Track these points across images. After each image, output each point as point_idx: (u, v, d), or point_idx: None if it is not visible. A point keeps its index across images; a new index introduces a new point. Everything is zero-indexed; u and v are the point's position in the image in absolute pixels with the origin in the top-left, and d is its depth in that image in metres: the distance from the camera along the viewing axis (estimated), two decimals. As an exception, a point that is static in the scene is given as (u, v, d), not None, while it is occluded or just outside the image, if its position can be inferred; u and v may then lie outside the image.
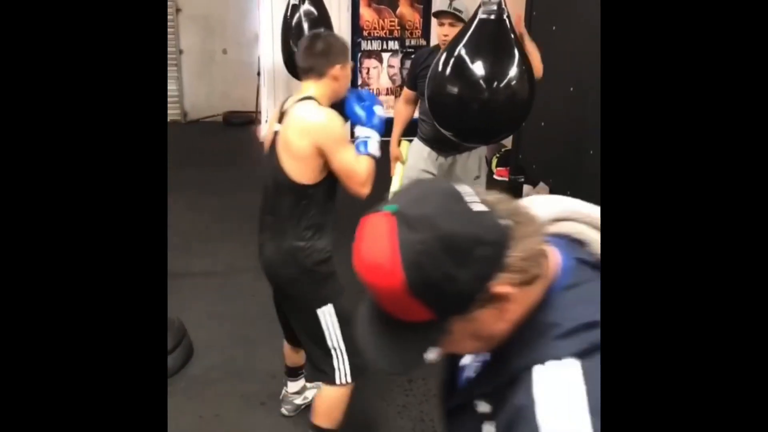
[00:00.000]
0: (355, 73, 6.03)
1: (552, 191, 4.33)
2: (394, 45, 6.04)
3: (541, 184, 4.47)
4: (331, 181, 1.80)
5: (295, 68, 4.29)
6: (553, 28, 3.33)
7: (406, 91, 3.08)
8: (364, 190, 1.79)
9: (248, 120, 6.77)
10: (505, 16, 2.21)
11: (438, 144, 2.91)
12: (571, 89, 3.44)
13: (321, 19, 4.00)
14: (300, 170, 1.75)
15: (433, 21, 5.83)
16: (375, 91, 6.11)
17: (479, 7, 2.22)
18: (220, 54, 6.74)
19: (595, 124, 3.30)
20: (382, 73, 6.09)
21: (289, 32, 4.06)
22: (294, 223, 1.78)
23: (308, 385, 2.35)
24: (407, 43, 6.06)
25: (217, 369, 2.53)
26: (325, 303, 1.82)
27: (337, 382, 1.86)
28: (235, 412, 2.31)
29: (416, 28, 6.03)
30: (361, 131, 1.84)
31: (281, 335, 2.79)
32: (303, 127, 1.72)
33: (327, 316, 1.83)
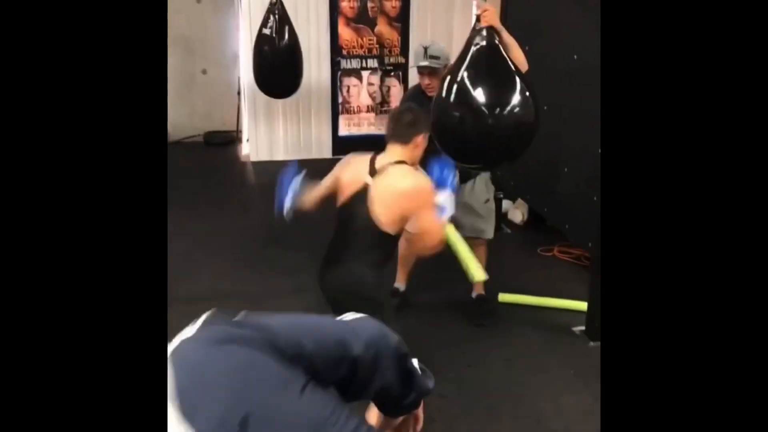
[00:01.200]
0: (335, 91, 6.06)
1: (530, 207, 4.38)
2: (373, 63, 6.09)
3: (519, 200, 4.53)
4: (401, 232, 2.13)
5: (266, 87, 4.35)
6: (527, 48, 3.38)
7: None
8: (433, 249, 2.16)
9: (229, 140, 6.77)
10: (496, 41, 2.24)
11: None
12: (545, 108, 3.49)
13: (291, 44, 4.07)
14: (391, 222, 2.07)
15: (413, 43, 5.90)
16: (356, 109, 6.15)
17: (473, 34, 2.25)
18: (199, 74, 6.75)
19: (569, 141, 3.36)
20: (362, 91, 6.13)
21: (260, 55, 4.12)
22: (361, 261, 2.10)
23: None
24: (386, 61, 6.11)
25: (199, 398, 2.52)
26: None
27: None
28: (218, 441, 2.29)
29: (395, 46, 6.08)
30: (443, 197, 2.17)
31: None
32: (406, 190, 2.06)
33: None
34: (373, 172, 2.11)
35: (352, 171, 2.19)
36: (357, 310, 2.10)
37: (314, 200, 2.34)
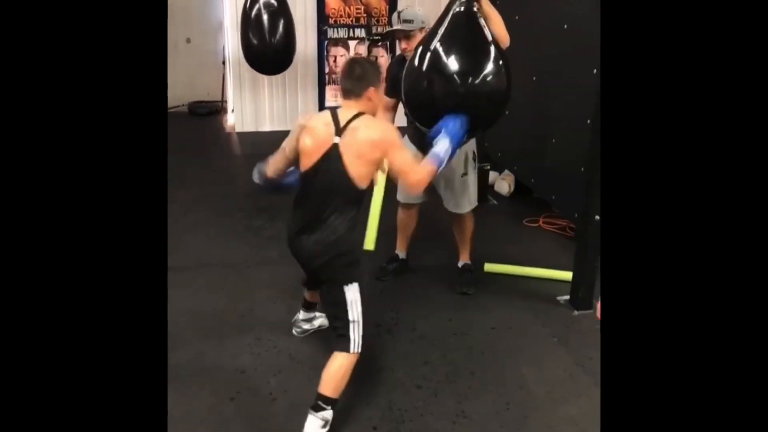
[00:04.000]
0: (321, 61, 5.99)
1: (517, 178, 4.39)
2: (360, 33, 6.02)
3: (506, 171, 4.53)
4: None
5: (253, 60, 4.27)
6: (516, 17, 3.35)
7: (385, 99, 2.88)
8: (417, 189, 2.24)
9: (214, 109, 6.69)
10: (474, 9, 2.21)
11: (420, 147, 2.92)
12: (534, 78, 3.48)
13: (281, 9, 3.96)
14: (365, 176, 2.10)
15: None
16: (342, 79, 6.09)
17: (452, 1, 2.21)
18: (183, 43, 6.63)
19: (557, 112, 3.35)
20: (349, 61, 6.07)
21: (248, 24, 4.02)
22: (341, 219, 2.12)
23: (317, 314, 2.75)
24: (374, 31, 6.03)
25: (185, 366, 2.53)
26: (352, 281, 2.15)
27: (351, 350, 2.13)
28: (205, 408, 2.31)
29: (382, 15, 6.01)
30: (442, 146, 2.17)
31: (249, 330, 2.80)
32: (374, 140, 2.07)
33: (352, 292, 2.14)
34: (338, 130, 2.10)
35: (315, 134, 2.14)
36: (337, 270, 2.15)
37: (277, 166, 2.29)
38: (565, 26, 3.21)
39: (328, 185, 2.11)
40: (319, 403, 2.09)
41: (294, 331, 2.74)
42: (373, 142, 2.08)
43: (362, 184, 2.11)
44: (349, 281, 2.14)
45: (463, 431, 2.22)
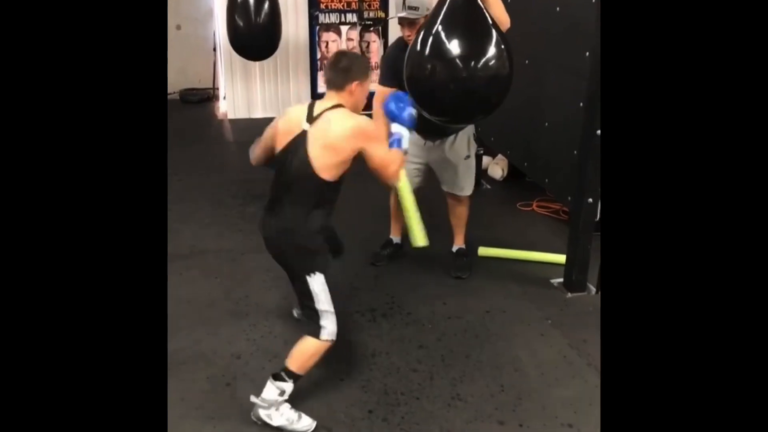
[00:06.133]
0: (313, 46, 5.94)
1: (510, 162, 4.39)
2: (352, 17, 5.97)
3: (499, 155, 4.53)
4: (342, 179, 2.12)
5: (239, 46, 4.23)
6: (509, 0, 3.33)
7: (381, 89, 2.87)
8: (394, 180, 2.18)
9: (206, 97, 6.64)
10: None
11: (423, 131, 2.91)
12: (527, 62, 3.47)
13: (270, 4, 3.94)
14: (331, 168, 2.06)
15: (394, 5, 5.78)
16: (334, 65, 6.05)
17: None
18: (173, 30, 6.55)
19: (550, 96, 3.35)
20: (341, 46, 6.02)
21: (235, 10, 4.00)
22: (300, 209, 2.10)
23: None
24: (366, 16, 5.99)
25: (182, 352, 2.53)
26: (313, 271, 2.10)
27: (321, 338, 2.13)
28: (201, 394, 2.32)
29: (374, 0, 5.96)
30: (396, 128, 2.19)
31: (244, 316, 2.81)
32: (347, 132, 2.04)
33: (315, 283, 2.10)
34: (310, 118, 2.09)
35: (288, 119, 2.16)
36: (292, 258, 2.16)
37: (259, 153, 2.32)
38: (558, 9, 3.20)
39: (292, 171, 2.11)
40: (281, 373, 2.13)
41: (294, 313, 2.71)
42: (346, 134, 2.04)
43: (326, 176, 2.06)
44: (311, 271, 2.11)
45: (459, 414, 2.24)
